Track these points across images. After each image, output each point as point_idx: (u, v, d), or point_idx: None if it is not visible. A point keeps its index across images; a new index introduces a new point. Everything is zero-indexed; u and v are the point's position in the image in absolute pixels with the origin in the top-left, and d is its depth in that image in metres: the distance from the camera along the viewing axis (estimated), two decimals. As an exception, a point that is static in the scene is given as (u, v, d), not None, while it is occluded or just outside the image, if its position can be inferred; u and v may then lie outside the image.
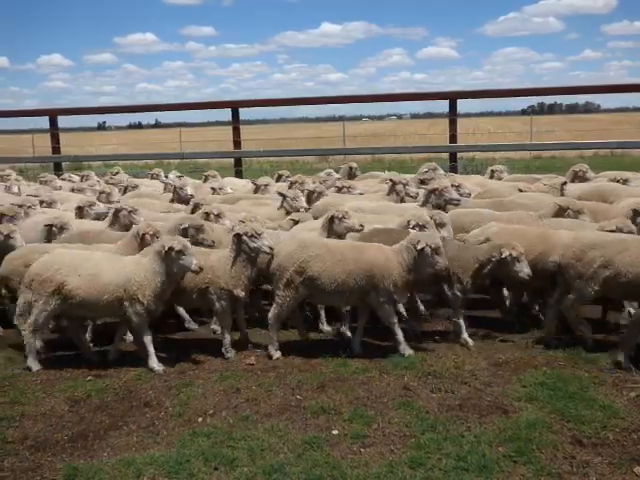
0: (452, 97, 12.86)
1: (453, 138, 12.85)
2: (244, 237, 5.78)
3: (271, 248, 5.81)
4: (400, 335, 5.82)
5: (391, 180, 8.59)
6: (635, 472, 3.95)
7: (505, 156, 21.15)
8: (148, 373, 5.66)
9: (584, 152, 22.80)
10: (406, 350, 5.80)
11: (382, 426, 4.58)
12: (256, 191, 9.69)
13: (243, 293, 5.90)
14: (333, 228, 6.51)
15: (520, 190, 8.52)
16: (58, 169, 14.67)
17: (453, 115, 12.80)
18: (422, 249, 5.57)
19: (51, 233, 7.03)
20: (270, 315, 5.97)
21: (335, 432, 4.53)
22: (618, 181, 9.20)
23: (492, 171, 11.12)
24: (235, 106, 13.96)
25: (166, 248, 5.49)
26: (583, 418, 4.57)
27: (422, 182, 9.04)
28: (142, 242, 6.24)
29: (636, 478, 3.90)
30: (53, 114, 14.91)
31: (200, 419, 4.81)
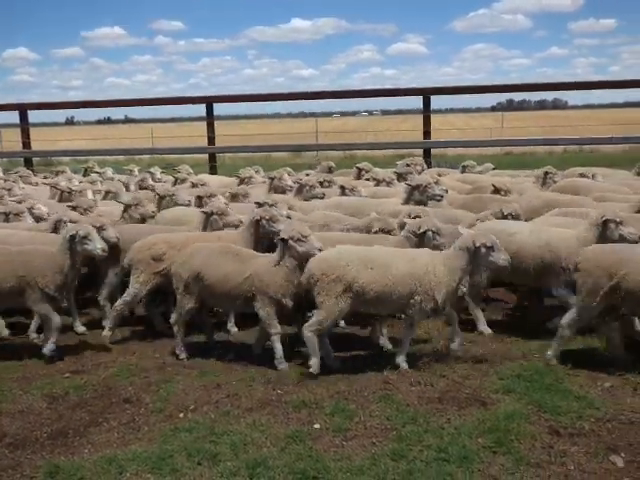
0: (426, 93, 12.95)
1: (427, 134, 12.95)
2: (291, 242, 5.45)
3: (320, 250, 5.48)
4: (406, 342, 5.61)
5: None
6: (611, 460, 4.04)
7: (477, 152, 21.35)
8: (127, 370, 5.64)
9: (554, 148, 23.20)
10: (386, 344, 5.86)
11: (364, 419, 4.62)
12: (240, 184, 9.67)
13: (291, 302, 5.56)
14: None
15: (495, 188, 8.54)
16: (28, 165, 14.44)
17: (427, 111, 12.89)
18: (478, 248, 5.31)
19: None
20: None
21: (317, 426, 4.55)
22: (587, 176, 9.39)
23: (464, 167, 11.26)
24: (210, 101, 13.89)
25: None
26: (559, 409, 4.67)
27: (399, 177, 9.09)
28: (257, 228, 6.25)
29: (612, 466, 4.00)
30: (23, 109, 14.68)
31: (181, 415, 4.80)
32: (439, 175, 9.94)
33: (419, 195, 7.60)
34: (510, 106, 77.33)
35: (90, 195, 8.58)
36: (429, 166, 12.06)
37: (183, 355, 5.86)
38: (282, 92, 16.19)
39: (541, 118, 39.86)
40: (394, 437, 4.37)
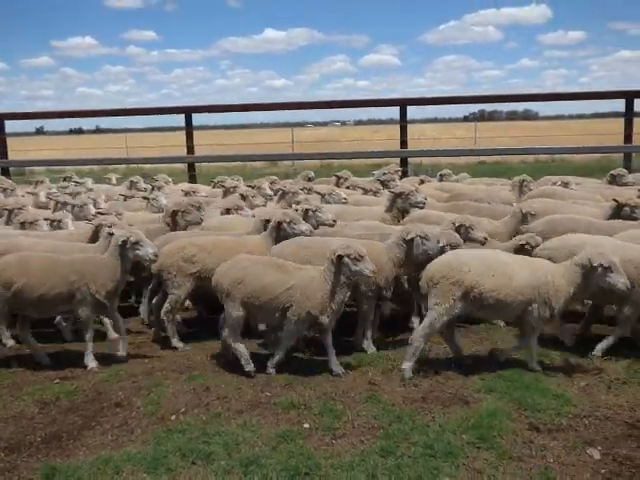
0: (402, 104, 13.24)
1: (404, 144, 13.20)
2: (346, 259, 5.32)
3: (374, 272, 5.40)
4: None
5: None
6: (588, 453, 4.26)
7: (450, 162, 21.68)
8: (115, 375, 5.72)
9: (527, 157, 23.65)
10: (370, 348, 6.03)
11: (351, 419, 4.78)
12: (225, 194, 9.74)
13: (327, 320, 5.45)
14: None
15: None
16: (6, 175, 14.34)
17: (404, 121, 13.14)
18: (595, 267, 5.25)
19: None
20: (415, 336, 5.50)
21: (306, 425, 4.70)
22: (559, 184, 9.68)
23: (441, 175, 11.52)
24: (189, 112, 14.00)
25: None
26: (539, 406, 4.88)
27: (382, 184, 9.28)
28: (278, 231, 6.45)
29: (589, 459, 4.20)
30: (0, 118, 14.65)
31: (173, 417, 4.91)
32: (421, 182, 10.19)
33: (401, 202, 7.74)
34: (482, 116, 78.32)
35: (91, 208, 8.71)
36: (405, 175, 12.30)
37: (249, 367, 5.60)
38: (263, 103, 16.31)
39: (512, 128, 40.52)
40: (381, 435, 4.53)
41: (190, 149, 14.02)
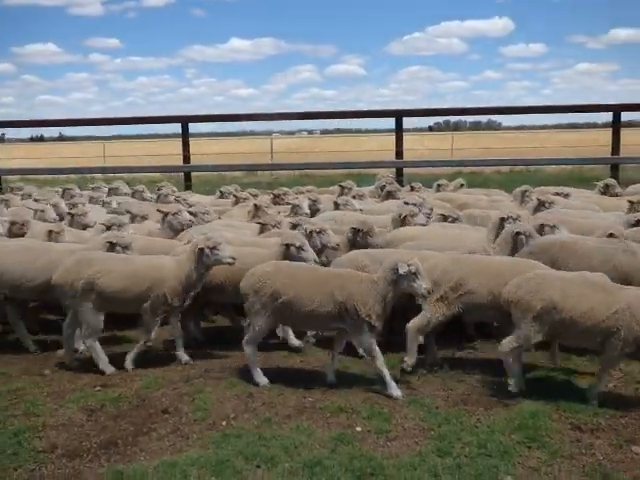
0: (399, 115, 13.53)
1: (399, 154, 13.48)
2: None
3: None
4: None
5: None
6: (634, 451, 4.49)
7: (430, 172, 22.01)
8: (155, 382, 5.79)
9: (501, 168, 24.12)
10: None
11: (400, 421, 4.95)
12: (235, 204, 9.79)
13: None
14: None
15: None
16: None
17: (399, 132, 13.43)
18: None
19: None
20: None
21: (359, 429, 4.85)
22: (559, 194, 10.01)
23: (438, 185, 11.80)
24: (186, 121, 14.08)
25: None
26: (576, 407, 5.10)
27: (389, 194, 9.50)
28: None
29: (636, 456, 4.44)
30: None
31: (224, 422, 5.00)
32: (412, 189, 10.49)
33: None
34: (447, 126, 79.37)
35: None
36: (401, 185, 12.53)
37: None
38: (254, 113, 16.44)
39: (481, 138, 41.18)
40: (434, 436, 4.71)
41: (186, 158, 14.08)
